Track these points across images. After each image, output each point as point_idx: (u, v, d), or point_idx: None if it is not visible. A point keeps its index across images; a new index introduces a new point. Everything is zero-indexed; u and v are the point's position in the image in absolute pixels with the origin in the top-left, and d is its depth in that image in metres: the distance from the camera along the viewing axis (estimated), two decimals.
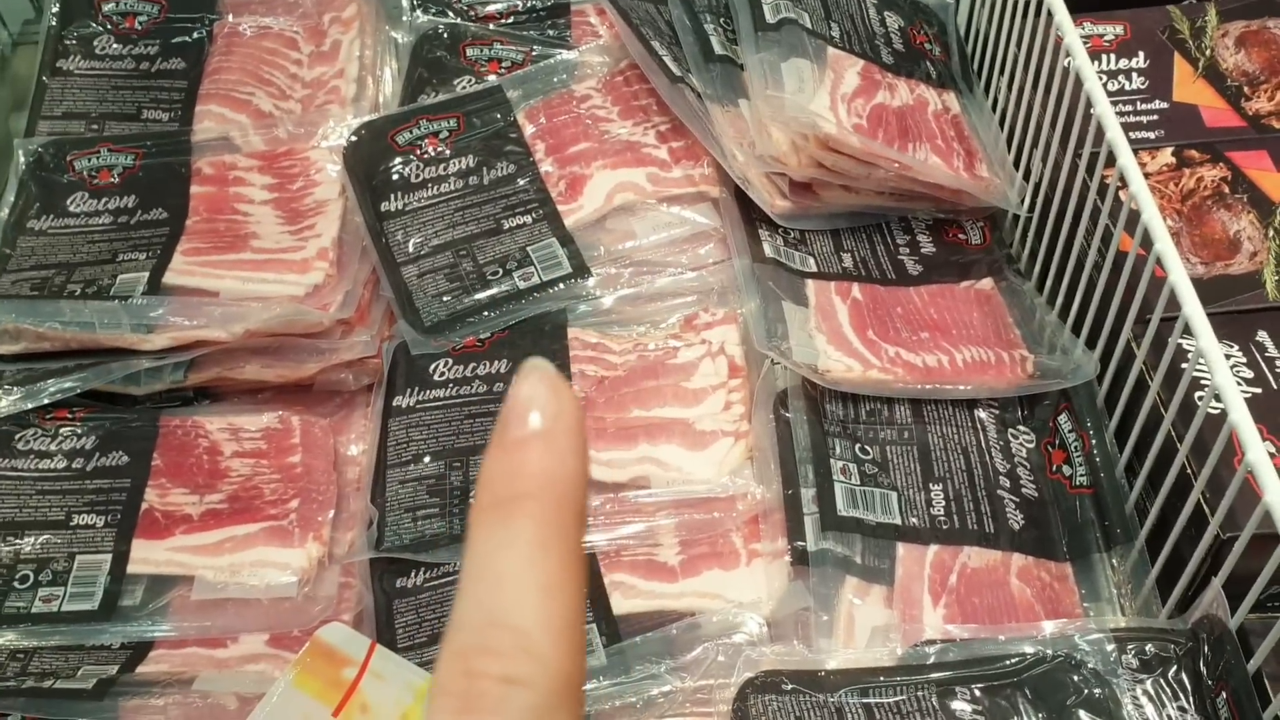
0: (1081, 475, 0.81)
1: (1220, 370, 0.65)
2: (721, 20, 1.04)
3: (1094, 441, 0.81)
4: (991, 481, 0.81)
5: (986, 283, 0.92)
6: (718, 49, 1.01)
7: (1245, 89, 0.92)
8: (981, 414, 0.84)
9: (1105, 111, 0.78)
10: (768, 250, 0.92)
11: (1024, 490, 0.81)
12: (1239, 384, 0.75)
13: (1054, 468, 0.82)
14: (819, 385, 0.83)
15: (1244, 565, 0.65)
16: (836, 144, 0.90)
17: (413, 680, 0.69)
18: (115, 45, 1.09)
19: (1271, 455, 0.71)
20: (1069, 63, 0.83)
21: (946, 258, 0.95)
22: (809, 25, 0.98)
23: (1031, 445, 0.83)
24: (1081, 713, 0.66)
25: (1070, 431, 0.82)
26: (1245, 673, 0.64)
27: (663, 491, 0.81)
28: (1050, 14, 0.86)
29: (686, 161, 0.99)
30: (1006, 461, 0.82)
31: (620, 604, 0.76)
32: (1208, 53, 0.95)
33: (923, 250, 0.96)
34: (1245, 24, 0.96)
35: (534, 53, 1.09)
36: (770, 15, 0.98)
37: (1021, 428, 0.84)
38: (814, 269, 0.93)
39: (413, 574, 0.79)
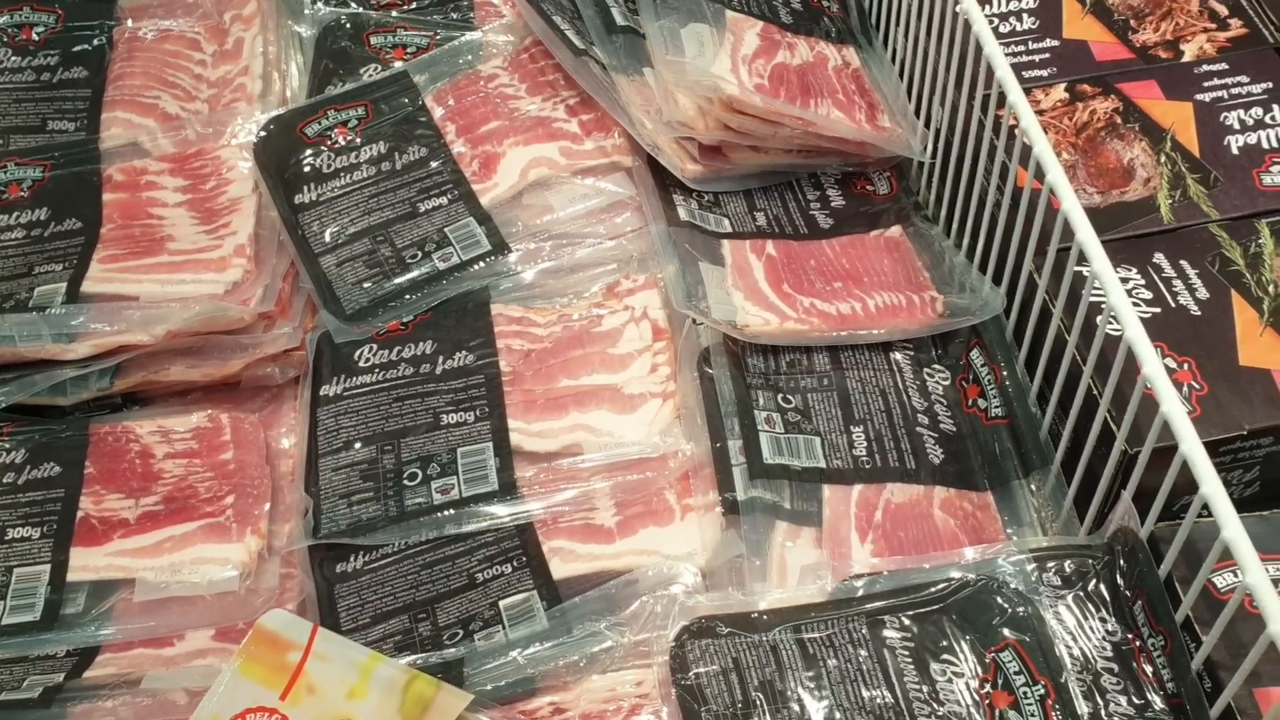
0: (996, 407, 0.83)
1: (1114, 291, 0.67)
2: None
3: (1005, 373, 0.83)
4: (910, 420, 0.83)
5: (895, 230, 0.94)
6: (619, 20, 1.02)
7: (1132, 22, 0.95)
8: (897, 356, 0.87)
9: (994, 52, 0.80)
10: (683, 214, 0.94)
11: (942, 426, 0.83)
12: (1139, 305, 0.78)
13: (970, 402, 0.84)
14: (739, 340, 0.85)
15: (1152, 477, 0.68)
16: (740, 105, 0.92)
17: (356, 658, 0.70)
18: (14, 58, 1.08)
19: (1172, 371, 0.74)
20: (959, 8, 0.85)
21: (856, 209, 0.97)
22: None
23: (947, 382, 0.86)
24: (1006, 631, 0.68)
25: (983, 366, 0.85)
26: (1158, 580, 0.66)
27: (596, 456, 0.83)
28: None
29: (598, 133, 1.01)
30: (924, 399, 0.84)
31: (560, 569, 0.78)
32: None
33: (833, 204, 0.98)
34: None
35: (438, 36, 1.09)
36: None
37: (936, 366, 0.87)
38: (729, 229, 0.94)
39: (352, 558, 0.79)
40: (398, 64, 1.07)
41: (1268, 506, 0.73)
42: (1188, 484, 0.61)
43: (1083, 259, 0.71)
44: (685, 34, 0.94)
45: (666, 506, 0.81)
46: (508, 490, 0.81)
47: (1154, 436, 0.64)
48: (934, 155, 0.96)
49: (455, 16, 1.12)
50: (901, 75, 1.02)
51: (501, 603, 0.76)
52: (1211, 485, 0.59)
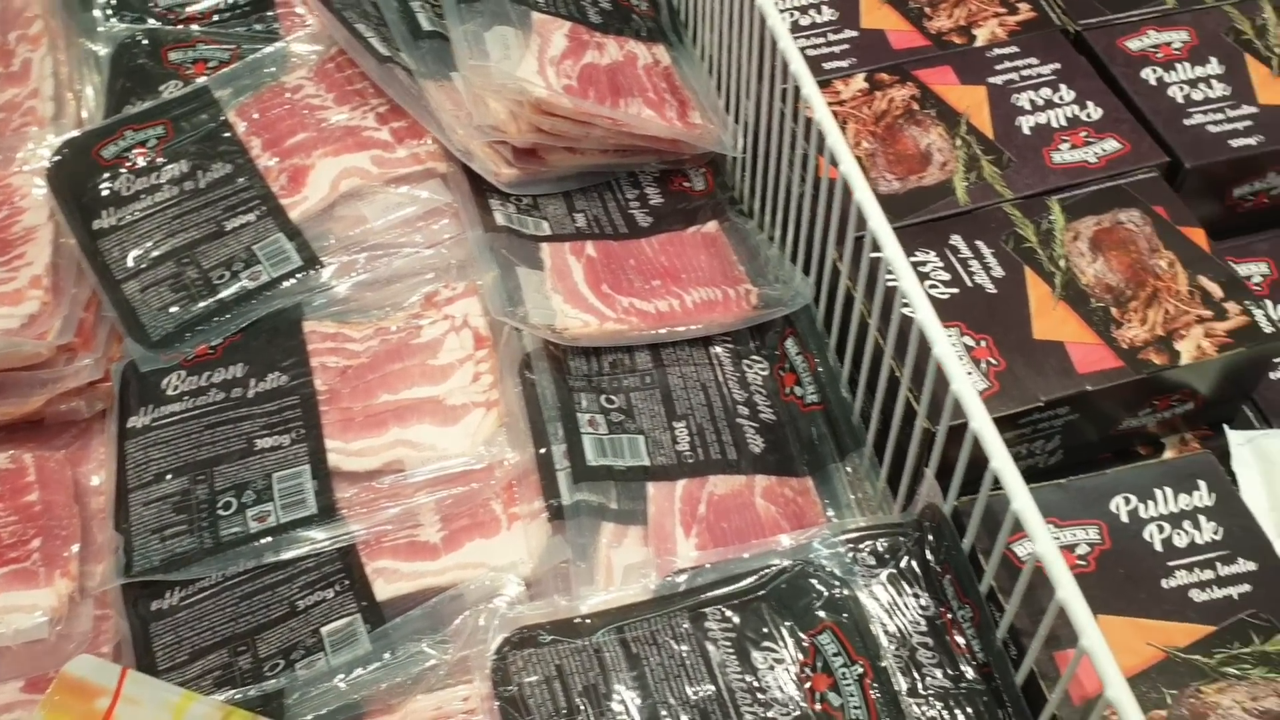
0: (811, 394, 0.85)
1: (905, 276, 0.69)
2: None
3: (818, 361, 0.85)
4: (731, 411, 0.84)
5: (712, 226, 0.95)
6: (426, 25, 1.01)
7: (927, 10, 0.98)
8: (717, 350, 0.87)
9: (788, 47, 0.81)
10: (500, 219, 0.93)
11: (762, 415, 0.84)
12: (937, 286, 0.80)
13: (787, 390, 0.86)
14: (561, 344, 0.84)
15: (955, 453, 0.69)
16: (549, 107, 0.91)
17: (169, 699, 0.67)
18: None
19: (971, 348, 0.76)
20: (757, 3, 0.86)
21: (674, 206, 0.98)
22: None
23: (765, 372, 0.87)
24: (823, 614, 0.69)
25: (797, 354, 0.86)
26: (962, 553, 0.68)
27: (418, 472, 0.81)
28: None
29: (410, 140, 0.99)
30: (744, 390, 0.85)
31: (384, 589, 0.76)
32: None
33: (651, 202, 0.98)
34: None
35: (241, 49, 1.06)
36: None
37: (755, 357, 0.88)
38: (548, 232, 0.94)
39: (167, 594, 0.77)
40: (199, 79, 1.03)
41: (1072, 473, 0.76)
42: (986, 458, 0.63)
43: (877, 246, 0.72)
44: (490, 37, 0.94)
45: (493, 517, 0.80)
46: (327, 513, 0.79)
47: (948, 415, 0.66)
48: (745, 149, 0.97)
49: (259, 28, 1.09)
50: (711, 71, 1.03)
51: (324, 629, 0.74)
52: (1000, 459, 0.61)
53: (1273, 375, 0.85)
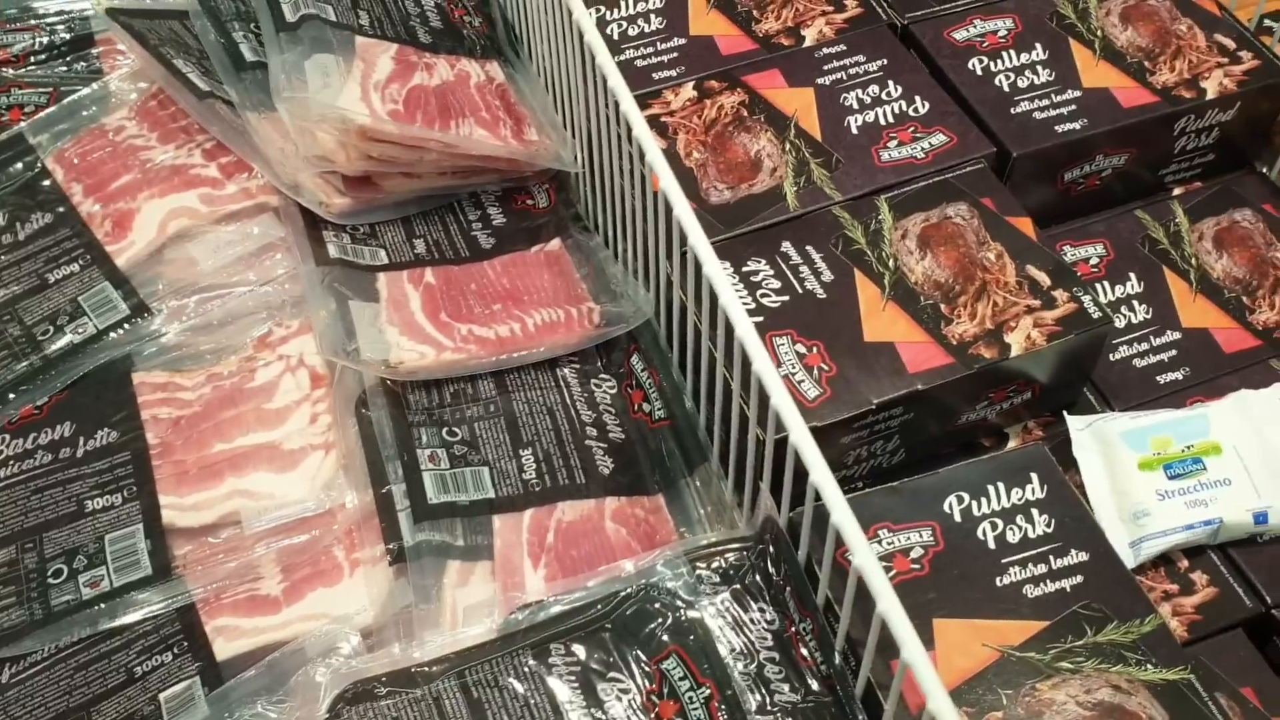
0: (659, 410, 0.84)
1: (724, 292, 0.68)
2: (251, 26, 1.00)
3: (662, 375, 0.84)
4: (579, 434, 0.82)
5: (555, 244, 0.94)
6: (249, 56, 0.98)
7: (755, 12, 0.97)
8: (564, 371, 0.86)
9: (605, 62, 0.80)
10: (333, 251, 0.90)
11: (611, 435, 0.83)
12: (768, 295, 0.80)
13: (636, 407, 0.85)
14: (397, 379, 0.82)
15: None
16: (375, 134, 0.89)
17: None
18: None
19: (803, 355, 0.76)
20: (573, 19, 0.84)
21: (517, 225, 0.96)
22: (333, 18, 0.96)
23: (614, 391, 0.86)
24: (668, 638, 0.68)
25: (643, 371, 0.85)
26: (798, 565, 0.68)
27: (257, 523, 0.79)
28: None
29: (240, 175, 0.96)
30: (592, 411, 0.84)
31: (224, 648, 0.74)
32: None
33: (494, 222, 0.96)
34: None
35: (60, 91, 1.02)
36: (290, 14, 0.95)
37: (603, 375, 0.86)
38: (385, 261, 0.92)
39: None
40: (17, 126, 0.99)
41: (917, 470, 0.76)
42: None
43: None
44: (310, 66, 0.91)
45: (335, 564, 0.78)
46: (162, 573, 0.76)
47: (771, 428, 0.66)
48: (584, 164, 0.95)
49: (80, 67, 1.05)
50: (548, 86, 1.01)
51: (161, 695, 0.72)
52: (819, 472, 0.61)
53: (1112, 357, 0.87)
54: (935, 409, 0.77)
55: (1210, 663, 0.72)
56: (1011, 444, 0.83)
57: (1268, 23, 1.03)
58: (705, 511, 0.81)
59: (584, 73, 0.86)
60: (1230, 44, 0.95)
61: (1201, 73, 0.93)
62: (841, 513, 0.59)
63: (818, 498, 0.62)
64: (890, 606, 0.56)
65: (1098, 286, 0.90)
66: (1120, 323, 0.88)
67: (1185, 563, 0.76)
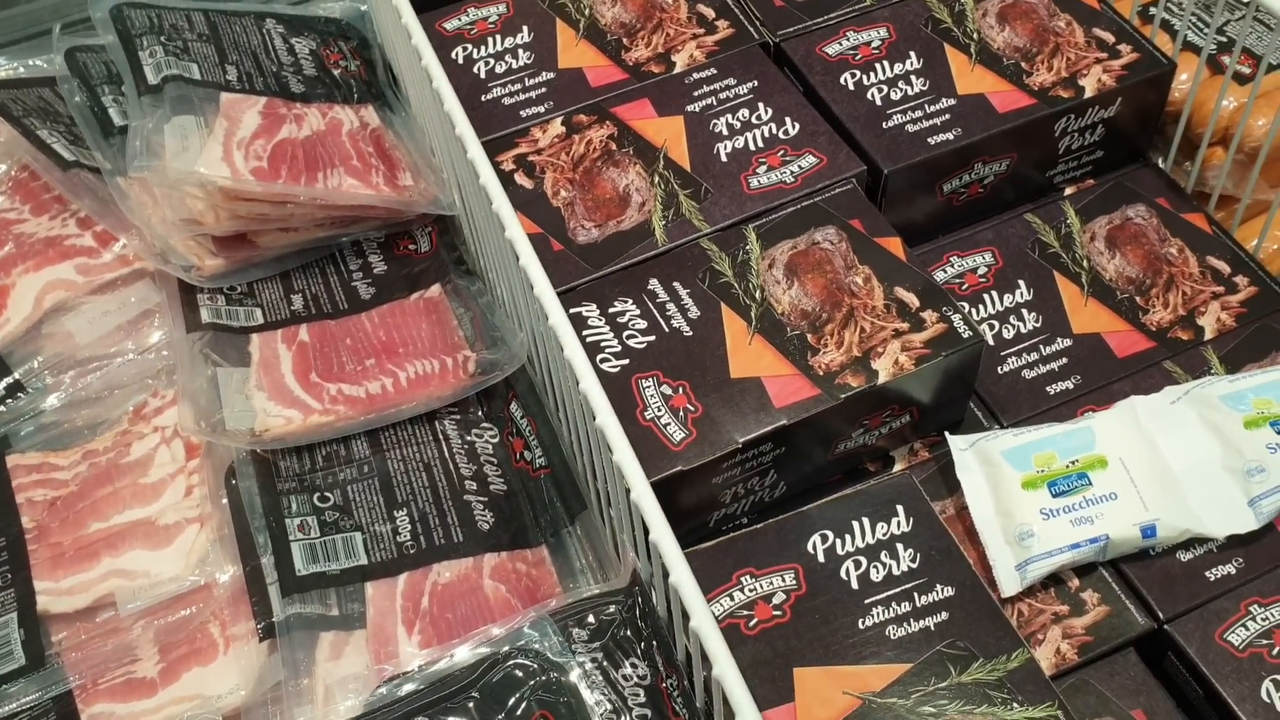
0: (539, 457, 0.82)
1: (569, 343, 0.67)
2: (121, 89, 0.98)
3: (540, 423, 0.82)
4: (458, 489, 0.81)
5: (435, 289, 0.92)
6: (119, 120, 0.96)
7: (624, 40, 0.95)
8: (443, 424, 0.84)
9: (453, 109, 0.79)
10: (206, 315, 0.89)
11: (493, 487, 0.81)
12: (635, 336, 0.78)
13: (518, 456, 0.83)
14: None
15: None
16: (238, 193, 0.88)
17: None
18: None
19: (669, 397, 0.74)
20: (422, 64, 0.83)
21: (398, 273, 0.94)
22: (198, 77, 0.95)
23: (496, 440, 0.84)
24: (536, 703, 0.67)
25: (522, 418, 0.84)
26: (658, 619, 0.66)
27: (132, 603, 0.77)
28: (399, 13, 0.86)
29: (115, 242, 0.94)
30: (473, 463, 0.83)
31: None
32: (586, 13, 0.97)
33: (375, 271, 0.95)
34: None
35: None
36: (152, 76, 0.93)
37: (484, 425, 0.85)
38: (260, 321, 0.90)
39: None
40: None
41: (802, 501, 0.75)
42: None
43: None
44: (169, 129, 0.89)
45: (211, 642, 0.76)
46: (36, 663, 0.75)
47: (619, 483, 0.64)
48: (462, 207, 0.94)
49: None
50: (425, 129, 1.00)
51: None
52: (657, 530, 0.59)
53: (1001, 370, 0.85)
54: (808, 441, 0.76)
55: (1100, 685, 0.70)
56: (898, 467, 0.81)
57: (1151, 11, 1.01)
58: (589, 561, 0.79)
59: (440, 118, 0.84)
60: (1109, 38, 0.93)
61: (1079, 70, 0.91)
62: (679, 574, 0.58)
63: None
64: (726, 671, 0.54)
65: (986, 297, 0.88)
66: (1009, 334, 0.86)
67: (1076, 582, 0.75)
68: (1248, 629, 0.71)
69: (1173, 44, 0.95)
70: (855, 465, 0.81)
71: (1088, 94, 0.90)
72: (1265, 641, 0.70)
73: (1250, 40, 0.98)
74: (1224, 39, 0.99)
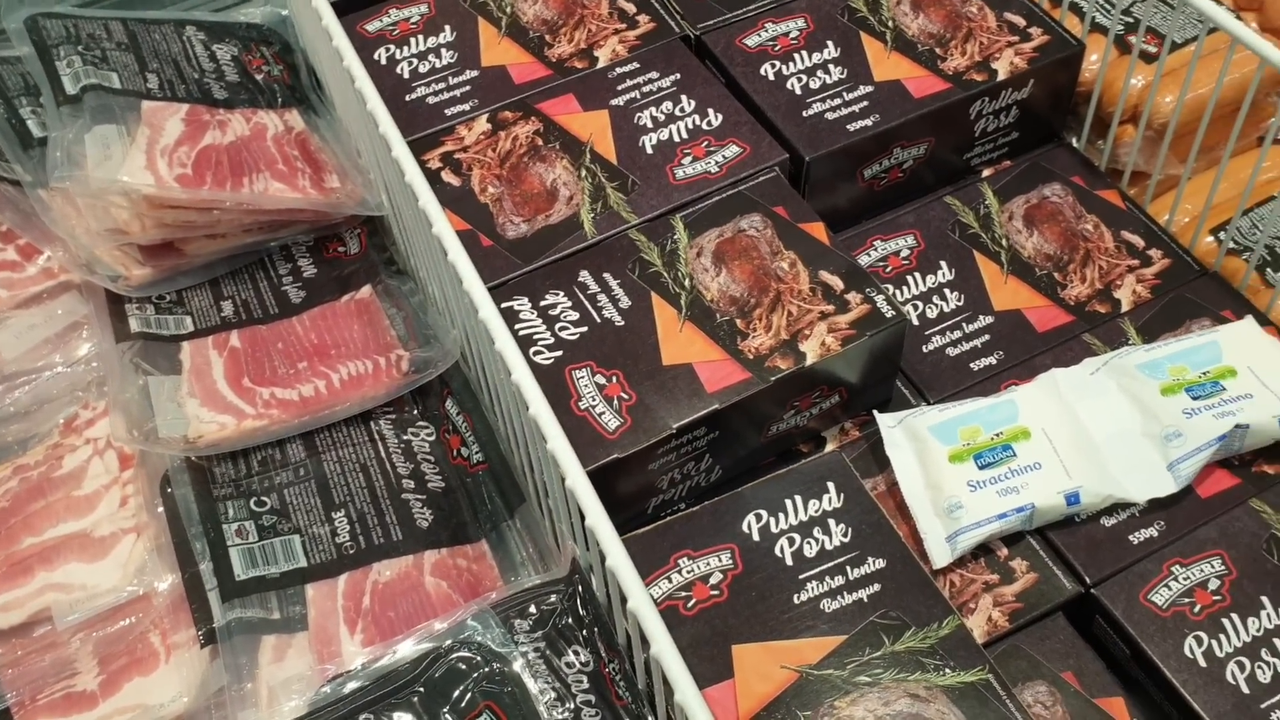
0: (476, 453, 0.83)
1: (500, 336, 0.67)
2: (40, 100, 0.97)
3: (475, 419, 0.83)
4: (395, 488, 0.81)
5: (365, 290, 0.92)
6: (38, 132, 0.95)
7: (547, 37, 0.96)
8: (379, 424, 0.85)
9: (376, 108, 0.79)
10: (135, 325, 0.88)
11: (430, 485, 0.82)
12: (568, 328, 0.78)
13: (455, 453, 0.83)
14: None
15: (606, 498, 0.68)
16: (163, 201, 0.87)
17: None
18: None
19: (603, 386, 0.75)
20: (344, 65, 0.83)
21: (328, 275, 0.94)
22: (118, 85, 0.94)
23: (433, 437, 0.84)
24: (481, 693, 0.67)
25: (458, 415, 0.84)
26: (598, 606, 0.67)
27: (70, 616, 0.77)
28: (319, 15, 0.86)
29: (40, 255, 0.94)
30: (410, 462, 0.83)
31: None
32: (508, 11, 0.98)
33: (305, 275, 0.94)
34: None
35: None
36: (71, 86, 0.92)
37: (421, 423, 0.85)
38: (190, 329, 0.89)
39: None
40: None
41: (738, 484, 0.76)
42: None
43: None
44: (90, 139, 0.88)
45: (151, 651, 0.76)
46: None
47: (555, 472, 0.65)
48: (390, 206, 0.94)
49: None
50: (351, 130, 1.00)
51: None
52: (593, 516, 0.60)
53: (925, 349, 0.87)
54: (741, 424, 0.77)
55: (1031, 649, 0.72)
56: (829, 447, 0.83)
57: None
58: (529, 553, 0.80)
59: (364, 118, 0.84)
60: (1020, 21, 0.96)
61: (992, 54, 0.94)
62: (615, 556, 0.59)
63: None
64: (664, 650, 0.55)
65: (909, 278, 0.90)
66: (932, 313, 0.88)
67: (1005, 551, 0.77)
68: (1170, 589, 0.74)
69: (1081, 25, 0.97)
70: (788, 447, 0.82)
71: (1001, 77, 0.92)
72: (1187, 600, 0.73)
73: (1155, 20, 1.02)
74: (1130, 19, 1.02)
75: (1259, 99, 0.98)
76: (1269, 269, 0.91)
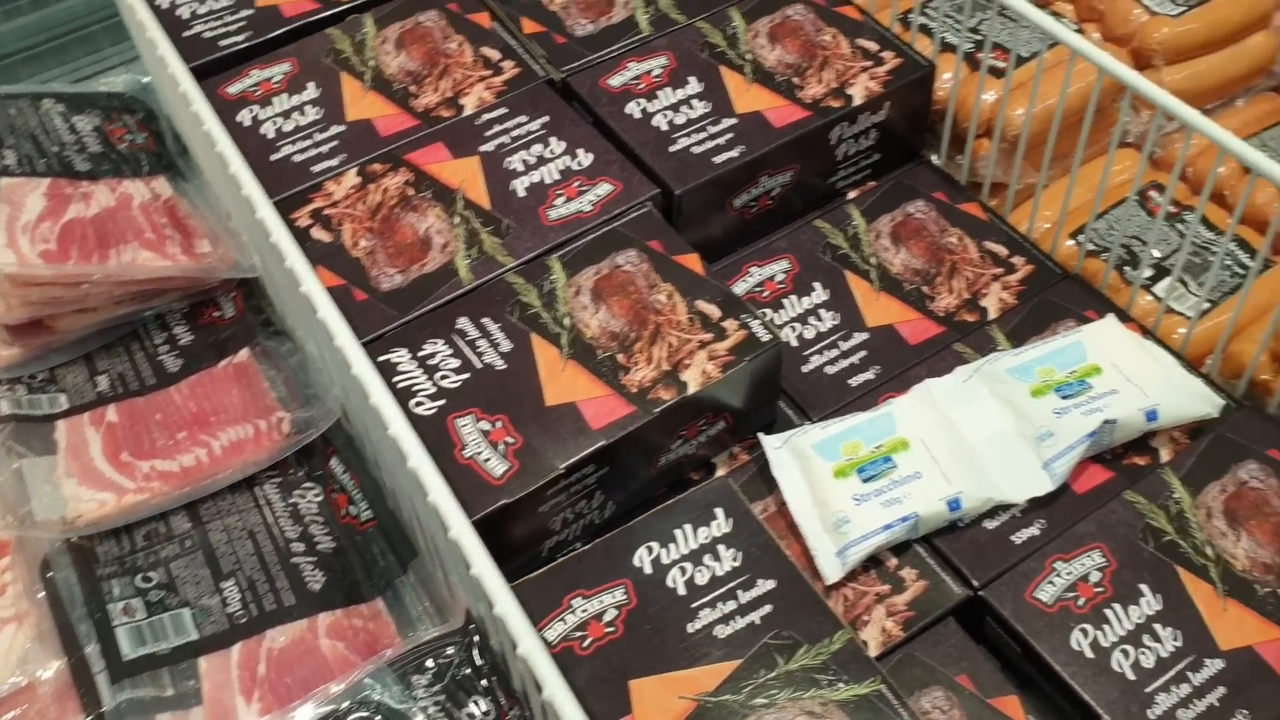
0: (365, 510, 0.82)
1: (374, 390, 0.67)
2: None
3: (362, 475, 0.82)
4: (284, 552, 0.80)
5: (243, 354, 0.91)
6: None
7: (411, 88, 0.96)
8: (264, 489, 0.83)
9: (238, 170, 0.78)
10: (6, 408, 0.86)
11: (320, 547, 0.81)
12: (449, 376, 0.78)
13: (343, 512, 0.83)
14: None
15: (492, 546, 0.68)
16: (28, 279, 0.85)
17: None
18: None
19: (488, 432, 0.75)
20: (205, 130, 0.82)
21: (205, 341, 0.93)
22: None
23: (320, 498, 0.83)
24: None
25: (344, 473, 0.83)
26: (495, 653, 0.67)
27: None
28: (177, 80, 0.85)
29: None
30: (298, 525, 0.82)
31: None
32: (371, 65, 0.98)
33: (181, 342, 0.93)
34: (400, 24, 1.01)
35: None
36: None
37: (307, 484, 0.84)
38: (65, 406, 0.87)
39: None
40: None
41: (632, 518, 0.76)
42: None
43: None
44: None
45: None
46: None
47: (436, 524, 0.65)
48: (266, 267, 0.93)
49: None
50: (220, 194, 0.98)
51: None
52: (479, 565, 0.60)
53: (804, 369, 0.88)
54: (630, 458, 0.77)
55: (925, 656, 0.74)
56: (720, 472, 0.84)
57: (910, 16, 1.07)
58: (426, 607, 0.79)
59: (229, 180, 0.83)
60: (873, 47, 0.99)
61: (848, 80, 0.96)
62: (502, 604, 0.59)
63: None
64: (556, 693, 0.55)
65: (785, 301, 0.92)
66: (810, 334, 0.90)
67: (894, 561, 0.78)
68: (1054, 585, 0.76)
69: (932, 46, 1.01)
70: (680, 476, 0.83)
71: (857, 102, 0.95)
72: (1071, 594, 0.75)
73: (1002, 36, 1.06)
74: (979, 37, 1.06)
75: (1105, 106, 1.02)
76: (1127, 267, 0.95)
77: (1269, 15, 1.08)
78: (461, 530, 0.61)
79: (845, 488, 0.79)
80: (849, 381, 0.88)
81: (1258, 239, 0.98)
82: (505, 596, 0.59)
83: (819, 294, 0.92)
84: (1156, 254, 0.96)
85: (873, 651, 0.73)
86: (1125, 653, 0.72)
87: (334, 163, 0.92)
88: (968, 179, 1.03)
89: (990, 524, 0.79)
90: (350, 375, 0.69)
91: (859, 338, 0.90)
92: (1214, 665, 0.72)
